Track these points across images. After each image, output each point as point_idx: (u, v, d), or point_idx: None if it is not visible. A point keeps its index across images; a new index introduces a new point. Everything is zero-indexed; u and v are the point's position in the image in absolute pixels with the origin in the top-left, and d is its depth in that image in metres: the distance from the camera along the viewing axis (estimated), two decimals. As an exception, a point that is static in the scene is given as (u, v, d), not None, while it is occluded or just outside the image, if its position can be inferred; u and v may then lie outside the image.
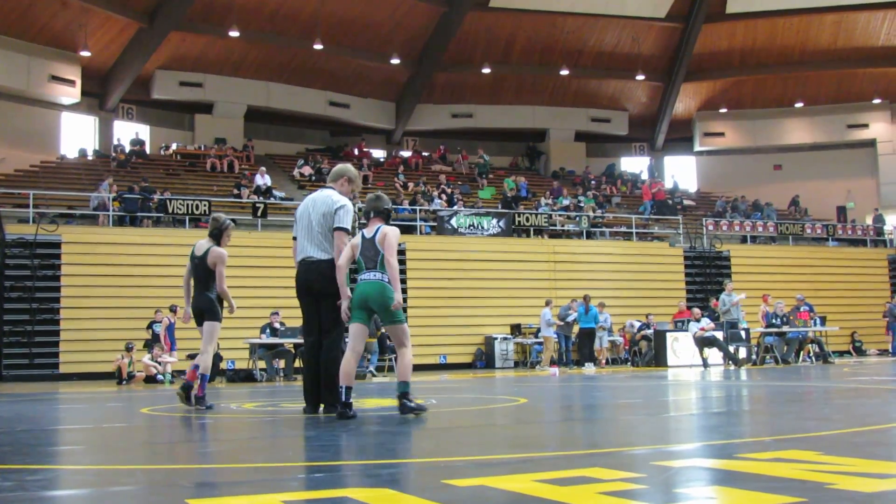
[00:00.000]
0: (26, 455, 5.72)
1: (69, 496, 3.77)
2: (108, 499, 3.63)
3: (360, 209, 9.40)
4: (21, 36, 28.63)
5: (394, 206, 28.44)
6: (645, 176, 38.56)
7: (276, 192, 28.10)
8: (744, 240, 31.60)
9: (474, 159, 36.28)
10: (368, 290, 8.08)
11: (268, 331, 20.40)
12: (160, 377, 19.80)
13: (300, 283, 8.79)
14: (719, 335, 22.00)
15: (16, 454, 5.71)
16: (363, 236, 8.23)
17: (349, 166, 9.17)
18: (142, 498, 3.74)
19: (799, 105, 38.77)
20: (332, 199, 8.72)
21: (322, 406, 8.63)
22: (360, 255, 8.19)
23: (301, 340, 18.52)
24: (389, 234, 8.15)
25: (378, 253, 8.09)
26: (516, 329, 25.68)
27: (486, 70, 35.51)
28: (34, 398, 13.74)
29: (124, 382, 19.47)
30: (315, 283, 8.63)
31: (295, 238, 8.99)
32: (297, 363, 19.91)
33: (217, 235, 10.27)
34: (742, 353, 22.18)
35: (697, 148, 40.44)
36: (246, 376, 20.01)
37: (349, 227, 8.60)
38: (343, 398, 7.88)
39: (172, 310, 20.95)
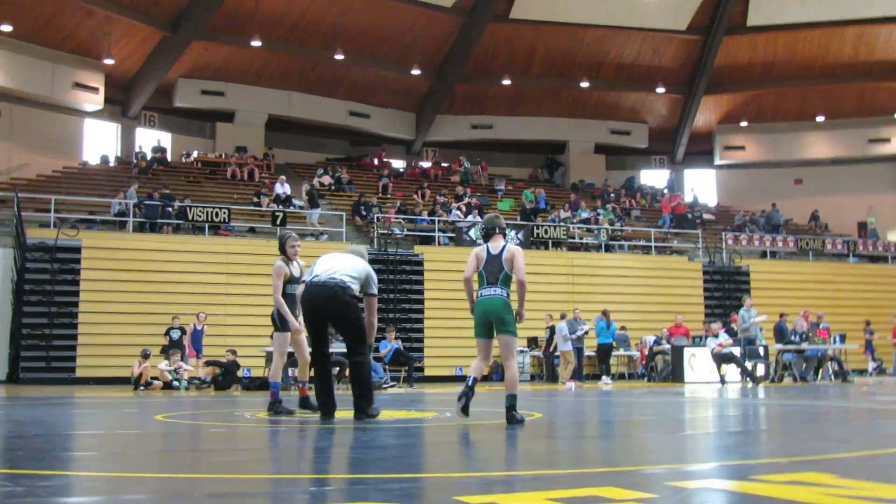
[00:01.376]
0: (40, 460, 5.73)
1: (80, 505, 3.77)
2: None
3: (480, 226, 10.07)
4: (46, 43, 28.85)
5: (413, 217, 28.51)
6: (664, 189, 38.48)
7: (295, 201, 28.16)
8: (763, 255, 31.43)
9: (457, 168, 36.02)
10: (490, 306, 8.59)
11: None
12: (175, 384, 19.82)
13: (310, 302, 9.18)
14: (737, 351, 21.87)
15: (29, 459, 5.72)
16: (489, 251, 8.73)
17: (364, 248, 9.93)
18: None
19: (820, 119, 38.58)
20: (363, 260, 9.45)
21: (354, 412, 9.04)
22: (483, 270, 8.67)
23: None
24: (517, 255, 8.66)
25: (501, 269, 8.60)
26: (533, 342, 25.61)
27: (506, 81, 35.53)
28: (50, 402, 13.80)
29: (141, 388, 19.51)
30: (327, 305, 9.04)
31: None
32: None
33: (281, 249, 10.58)
34: (760, 370, 22.03)
35: (717, 161, 40.31)
36: (261, 384, 19.99)
37: (376, 291, 9.50)
38: (511, 404, 8.30)
39: (199, 317, 21.08)
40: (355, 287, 9.13)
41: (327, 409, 9.21)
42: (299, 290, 9.74)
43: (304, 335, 10.64)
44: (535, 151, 39.54)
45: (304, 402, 10.42)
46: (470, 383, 8.56)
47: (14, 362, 21.88)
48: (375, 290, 9.38)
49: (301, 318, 10.00)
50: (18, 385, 20.78)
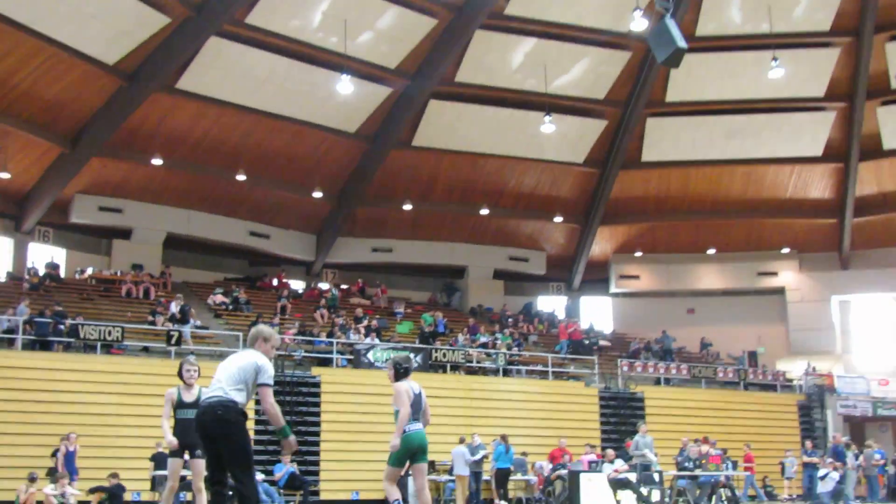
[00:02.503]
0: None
1: None
2: None
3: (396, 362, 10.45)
4: (-62, 155, 28.26)
5: (312, 338, 28.30)
6: (562, 315, 38.99)
7: (191, 321, 27.72)
8: (658, 381, 31.95)
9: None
10: (422, 439, 10.52)
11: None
12: (62, 509, 19.06)
13: (198, 425, 8.62)
14: (633, 477, 22.00)
15: None
16: (414, 391, 10.54)
17: (262, 327, 9.14)
18: None
19: (711, 251, 39.85)
20: (253, 357, 8.69)
21: None
22: (411, 406, 10.34)
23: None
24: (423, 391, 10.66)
25: (420, 406, 10.53)
26: (430, 465, 25.35)
27: (408, 206, 35.97)
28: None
29: (24, 514, 18.71)
30: (210, 425, 8.46)
31: None
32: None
33: (179, 374, 11.27)
34: (655, 495, 22.16)
35: (613, 290, 41.13)
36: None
37: (272, 384, 8.64)
38: None
39: (68, 437, 20.29)
40: (240, 397, 8.49)
41: None
42: None
43: (202, 461, 10.55)
44: (434, 275, 39.82)
45: None
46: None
47: None
48: (266, 380, 8.57)
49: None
50: None
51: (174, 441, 10.52)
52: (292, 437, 8.78)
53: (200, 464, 10.77)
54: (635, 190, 38.20)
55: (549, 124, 32.26)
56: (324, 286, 36.49)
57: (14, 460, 20.92)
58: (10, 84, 27.63)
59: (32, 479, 19.35)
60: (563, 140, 35.14)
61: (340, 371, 26.82)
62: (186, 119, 31.37)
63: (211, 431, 8.45)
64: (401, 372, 10.73)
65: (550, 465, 25.14)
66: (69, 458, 20.20)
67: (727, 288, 40.24)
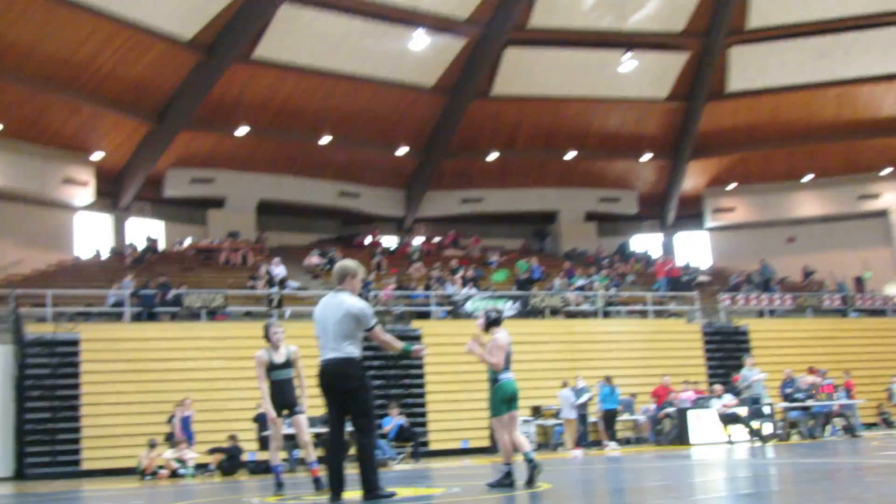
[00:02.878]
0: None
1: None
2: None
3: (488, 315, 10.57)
4: (35, 140, 28.98)
5: (409, 292, 28.48)
6: (657, 253, 38.55)
7: (290, 283, 28.13)
8: (761, 314, 31.40)
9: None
10: (516, 386, 10.65)
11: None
12: (182, 472, 19.64)
13: (321, 383, 8.97)
14: (742, 411, 21.74)
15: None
16: (506, 341, 10.63)
17: (348, 263, 9.30)
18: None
19: (808, 178, 38.88)
20: (345, 304, 8.90)
21: (363, 493, 8.72)
22: (507, 358, 10.55)
23: (320, 430, 18.46)
24: None
25: (510, 356, 10.69)
26: (536, 411, 25.42)
27: (493, 155, 35.81)
28: (57, 498, 13.58)
29: (148, 478, 19.30)
30: (335, 382, 8.84)
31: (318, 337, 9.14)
32: (319, 452, 19.71)
33: (266, 337, 11.81)
34: (767, 428, 21.88)
35: (708, 224, 40.48)
36: (268, 468, 19.76)
37: (376, 321, 9.06)
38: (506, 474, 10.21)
39: (183, 403, 20.86)
40: (354, 349, 8.83)
41: (336, 489, 8.87)
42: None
43: (303, 417, 10.88)
44: (525, 222, 39.66)
45: (317, 483, 10.40)
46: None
47: (20, 458, 21.64)
48: (371, 323, 8.91)
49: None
50: (25, 481, 20.53)
51: (273, 414, 10.79)
52: (416, 346, 9.27)
53: (303, 419, 11.08)
54: (724, 121, 37.33)
55: (628, 62, 31.70)
56: (417, 241, 36.65)
57: (133, 428, 21.60)
58: (94, 67, 28.22)
59: (153, 445, 19.98)
60: (644, 76, 34.49)
61: (440, 323, 26.96)
62: (266, 87, 31.63)
63: (335, 388, 8.82)
64: (492, 321, 10.65)
65: (655, 406, 24.96)
66: (185, 422, 20.77)
67: (827, 214, 39.25)
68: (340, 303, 8.92)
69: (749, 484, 9.48)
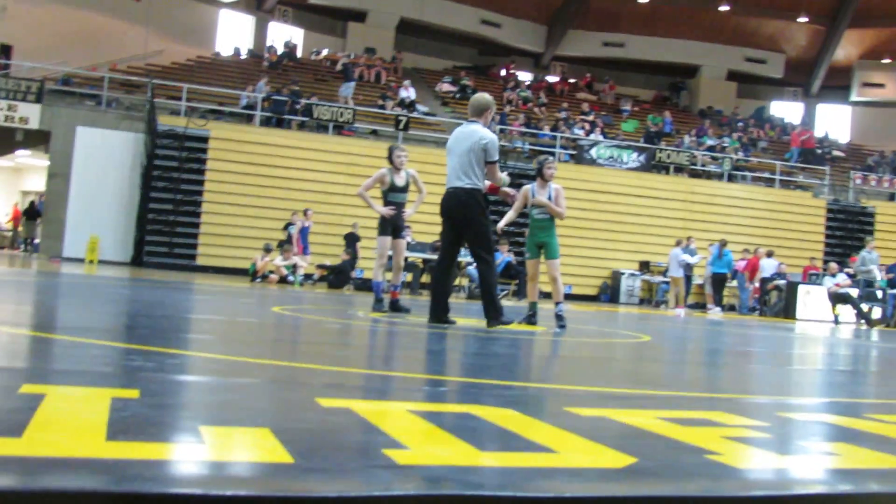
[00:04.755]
0: (166, 339, 6.02)
1: (205, 382, 3.97)
2: (241, 389, 3.82)
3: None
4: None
5: (535, 131, 28.34)
6: (796, 122, 37.38)
7: (419, 107, 28.24)
8: (891, 197, 30.44)
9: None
10: None
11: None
12: (290, 278, 20.36)
13: (442, 208, 9.27)
14: (854, 292, 21.40)
15: (157, 338, 6.01)
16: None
17: (486, 96, 9.44)
18: (273, 392, 3.92)
19: (970, 61, 36.85)
20: (476, 134, 9.06)
21: (486, 321, 9.11)
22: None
23: (429, 256, 18.87)
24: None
25: None
26: (645, 266, 25.44)
27: None
28: (173, 286, 14.32)
29: (258, 280, 20.06)
30: (454, 210, 9.11)
31: None
32: (424, 278, 20.23)
33: (389, 159, 11.63)
34: (876, 313, 21.53)
35: (854, 98, 38.91)
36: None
37: (498, 157, 9.20)
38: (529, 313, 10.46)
39: (305, 213, 21.44)
40: (478, 181, 9.03)
41: (436, 312, 9.23)
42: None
43: (404, 242, 11.28)
44: (664, 73, 38.71)
45: (395, 305, 10.80)
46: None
47: (139, 246, 22.70)
48: (496, 157, 9.08)
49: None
50: (142, 268, 21.55)
51: (384, 210, 11.11)
52: (510, 190, 9.98)
53: (403, 244, 11.43)
54: (891, -10, 35.36)
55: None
56: (551, 79, 36.18)
57: (249, 231, 22.40)
58: None
59: (268, 250, 20.69)
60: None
61: (562, 166, 26.82)
62: None
63: (456, 215, 9.12)
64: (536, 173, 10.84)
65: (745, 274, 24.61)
66: (304, 232, 21.40)
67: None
68: (472, 132, 9.09)
69: (850, 362, 9.47)
